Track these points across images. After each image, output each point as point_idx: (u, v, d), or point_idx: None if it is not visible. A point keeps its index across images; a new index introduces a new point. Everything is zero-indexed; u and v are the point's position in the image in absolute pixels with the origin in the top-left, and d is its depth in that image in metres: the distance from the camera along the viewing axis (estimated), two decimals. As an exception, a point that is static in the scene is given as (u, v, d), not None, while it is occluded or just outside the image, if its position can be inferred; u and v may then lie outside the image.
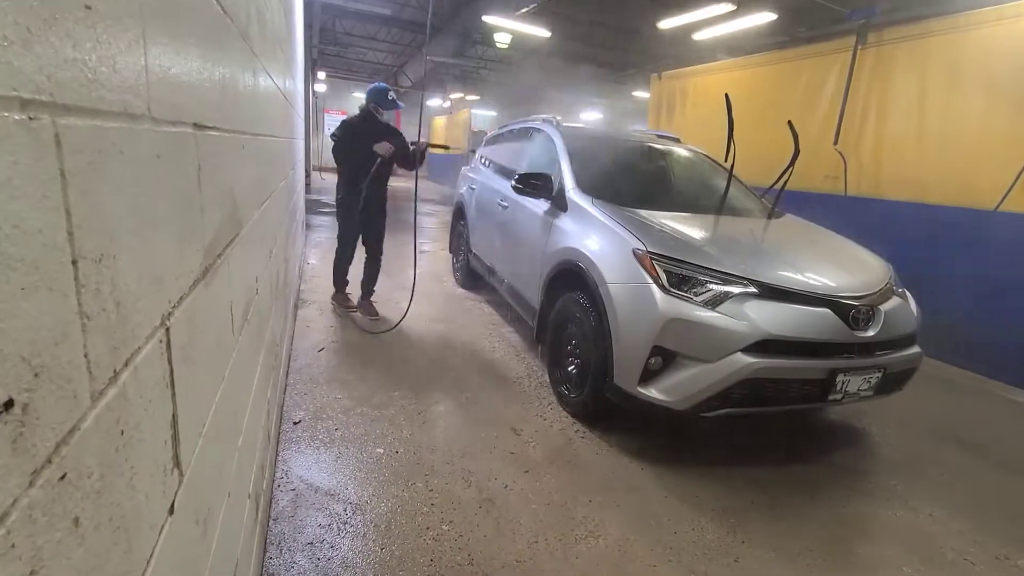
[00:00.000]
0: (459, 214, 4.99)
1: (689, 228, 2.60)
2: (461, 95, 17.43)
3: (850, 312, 2.15)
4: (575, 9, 8.32)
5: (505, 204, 3.74)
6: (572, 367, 2.72)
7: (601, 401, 2.47)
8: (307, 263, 5.23)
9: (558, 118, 3.80)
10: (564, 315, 2.75)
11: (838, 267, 2.39)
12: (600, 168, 3.24)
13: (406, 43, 12.88)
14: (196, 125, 0.71)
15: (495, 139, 4.80)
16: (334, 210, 3.88)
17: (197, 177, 0.73)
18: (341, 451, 2.16)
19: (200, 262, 0.74)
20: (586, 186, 2.98)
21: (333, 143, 3.62)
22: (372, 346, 3.30)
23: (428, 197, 13.15)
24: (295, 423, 2.32)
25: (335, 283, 3.96)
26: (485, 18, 7.88)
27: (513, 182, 3.19)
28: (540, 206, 3.16)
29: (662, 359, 2.19)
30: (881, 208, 4.05)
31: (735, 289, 2.14)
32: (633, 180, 3.28)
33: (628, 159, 3.47)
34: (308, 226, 6.99)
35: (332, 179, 13.78)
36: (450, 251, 5.24)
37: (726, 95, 2.71)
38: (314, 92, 13.79)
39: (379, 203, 3.74)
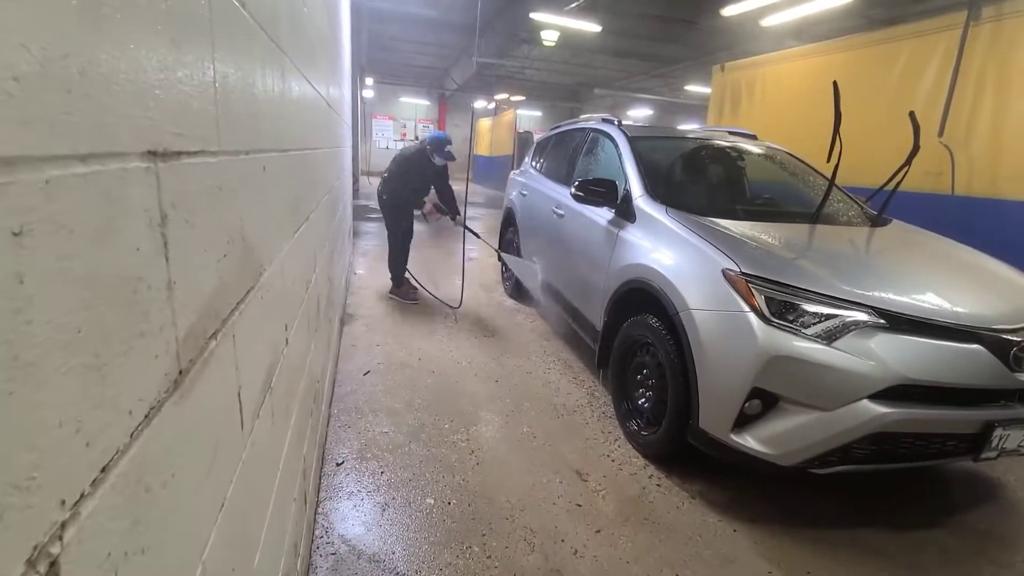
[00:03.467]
0: (508, 221, 4.73)
1: (784, 241, 2.21)
2: (506, 96, 17.21)
3: (1011, 349, 1.70)
4: (628, 3, 7.87)
5: (561, 212, 3.43)
6: (644, 400, 2.38)
7: (681, 445, 2.12)
8: (354, 273, 5.10)
9: (619, 118, 3.45)
10: (632, 339, 2.43)
11: (983, 289, 1.94)
12: (671, 172, 2.89)
13: (452, 45, 12.76)
14: (151, 153, 0.44)
15: (546, 141, 4.50)
16: (379, 216, 4.46)
17: (157, 236, 0.45)
18: (388, 500, 1.91)
19: (164, 372, 0.47)
20: (657, 193, 2.63)
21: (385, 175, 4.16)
22: (419, 367, 3.07)
23: (474, 200, 12.99)
24: (338, 464, 2.09)
25: (393, 278, 4.30)
26: (533, 15, 7.58)
27: (573, 189, 2.87)
28: (603, 216, 2.84)
29: (762, 402, 1.82)
30: (998, 210, 3.46)
31: (857, 318, 1.74)
32: (710, 185, 2.91)
33: (702, 161, 3.09)
34: (355, 233, 6.92)
35: (376, 183, 13.91)
36: (499, 260, 4.97)
37: (834, 83, 2.29)
38: (362, 98, 13.91)
39: (408, 218, 4.19)
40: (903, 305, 1.76)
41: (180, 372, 0.51)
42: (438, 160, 4.05)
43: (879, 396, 1.66)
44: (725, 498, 2.08)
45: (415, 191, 4.12)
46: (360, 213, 8.87)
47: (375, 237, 7.09)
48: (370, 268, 5.35)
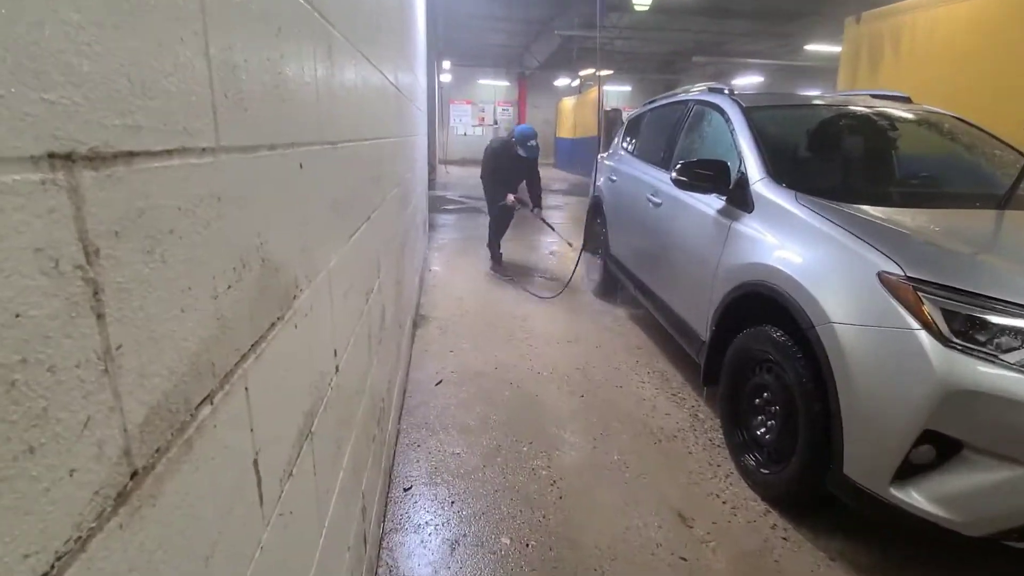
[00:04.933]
0: (595, 210, 4.52)
1: (962, 234, 1.81)
2: (592, 71, 16.74)
3: None
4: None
5: (657, 200, 3.16)
6: (763, 430, 2.09)
7: (816, 492, 1.81)
8: (429, 270, 5.12)
9: (729, 86, 3.10)
10: (749, 355, 2.16)
11: None
12: (800, 149, 2.53)
13: (532, 20, 12.56)
14: (57, 157, 0.30)
15: (639, 119, 4.22)
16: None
17: (73, 283, 0.31)
18: (458, 537, 1.79)
19: (94, 489, 0.33)
20: (781, 176, 2.29)
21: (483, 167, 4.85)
22: (496, 376, 2.96)
23: (555, 188, 12.78)
24: (405, 490, 2.01)
25: (491, 248, 5.06)
26: (623, -23, 7.17)
27: (673, 173, 2.60)
28: (711, 204, 2.55)
29: (936, 450, 1.47)
30: None
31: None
32: (852, 163, 2.53)
33: (840, 133, 2.68)
34: (431, 226, 6.99)
35: (457, 172, 14.14)
36: (585, 250, 4.77)
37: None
38: (439, 83, 14.16)
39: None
40: None
41: (134, 475, 0.37)
42: (522, 153, 4.56)
43: (1125, 453, 1.26)
44: (875, 561, 1.74)
45: (505, 183, 4.70)
46: (436, 205, 9.00)
47: (453, 230, 7.15)
48: (447, 263, 5.36)
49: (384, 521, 1.84)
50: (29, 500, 0.28)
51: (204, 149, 0.49)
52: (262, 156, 0.65)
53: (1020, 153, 2.50)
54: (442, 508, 1.92)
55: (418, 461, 2.19)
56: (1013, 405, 1.34)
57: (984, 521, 1.41)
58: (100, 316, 0.34)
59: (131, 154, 0.37)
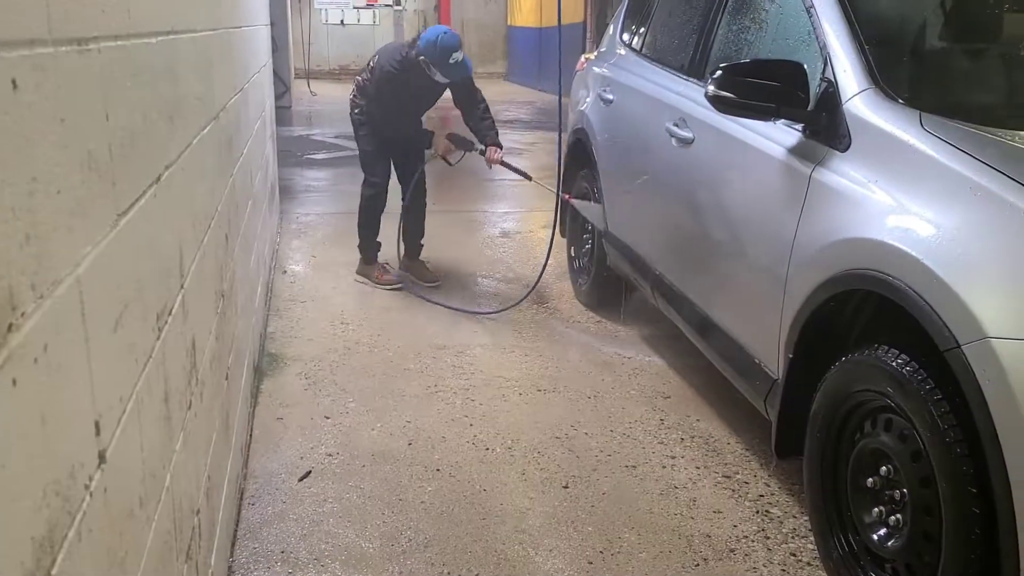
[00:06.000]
0: (579, 154, 4.68)
1: None
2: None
3: None
4: None
5: (685, 134, 3.29)
6: (885, 531, 2.18)
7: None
8: (283, 272, 5.14)
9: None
10: (853, 401, 2.27)
11: None
12: (925, 39, 2.63)
13: None
14: None
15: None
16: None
17: None
18: None
19: None
20: (897, 85, 2.41)
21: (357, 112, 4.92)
22: (410, 458, 2.97)
23: (508, 116, 12.93)
24: None
25: (362, 250, 4.99)
26: None
27: (711, 87, 2.67)
28: (778, 139, 2.66)
29: None
30: None
31: None
32: (1011, 63, 2.64)
33: (989, 13, 2.83)
34: (287, 193, 6.95)
35: (331, 93, 14.11)
36: (563, 234, 4.84)
37: None
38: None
39: (413, 146, 4.96)
40: None
41: None
42: (439, 78, 4.63)
43: None
44: None
45: (412, 118, 4.89)
46: (295, 152, 8.96)
47: (326, 198, 7.14)
48: (317, 258, 5.37)
49: None
50: None
51: None
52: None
53: None
54: None
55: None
56: None
57: None
58: None
59: None
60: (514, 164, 5.12)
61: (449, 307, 4.47)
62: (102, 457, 1.04)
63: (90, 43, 1.06)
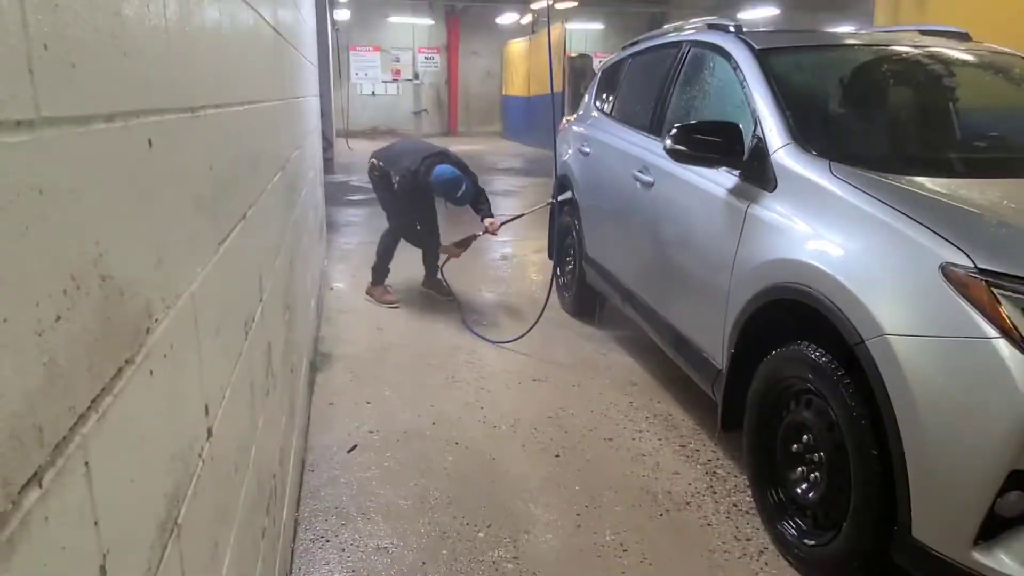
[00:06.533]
0: (563, 195, 4.62)
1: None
2: (550, 2, 17.14)
3: None
4: None
5: (647, 178, 3.30)
6: (806, 486, 2.19)
7: (879, 565, 1.91)
8: (330, 288, 5.11)
9: (735, 23, 3.26)
10: (782, 384, 2.28)
11: None
12: (832, 105, 2.68)
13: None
14: None
15: (617, 68, 4.40)
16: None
17: None
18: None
19: None
20: (811, 140, 2.44)
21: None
22: (435, 435, 2.97)
23: (504, 166, 12.96)
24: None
25: (373, 272, 4.82)
26: None
27: (667, 141, 2.70)
28: (720, 182, 2.69)
29: (1028, 497, 1.59)
30: None
31: None
32: (899, 123, 2.69)
33: (882, 83, 2.88)
34: (331, 226, 6.95)
35: (364, 149, 14.10)
36: (550, 257, 4.85)
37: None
38: (333, 22, 14.13)
39: (426, 212, 4.77)
40: None
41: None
42: (451, 207, 4.71)
43: None
44: (962, 656, 1.84)
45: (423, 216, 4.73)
46: (337, 195, 8.95)
47: (362, 230, 7.11)
48: (355, 278, 5.34)
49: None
50: None
51: (19, 123, 0.49)
52: (98, 131, 0.65)
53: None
54: (366, 629, 1.90)
55: (327, 564, 2.17)
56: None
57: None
58: None
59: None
60: (507, 217, 4.97)
61: (475, 334, 4.21)
62: (210, 432, 1.07)
63: (199, 111, 1.10)
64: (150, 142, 0.82)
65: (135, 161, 0.76)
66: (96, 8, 0.65)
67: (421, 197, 4.61)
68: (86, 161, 0.62)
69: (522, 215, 5.11)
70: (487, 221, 4.61)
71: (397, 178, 4.53)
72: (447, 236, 4.87)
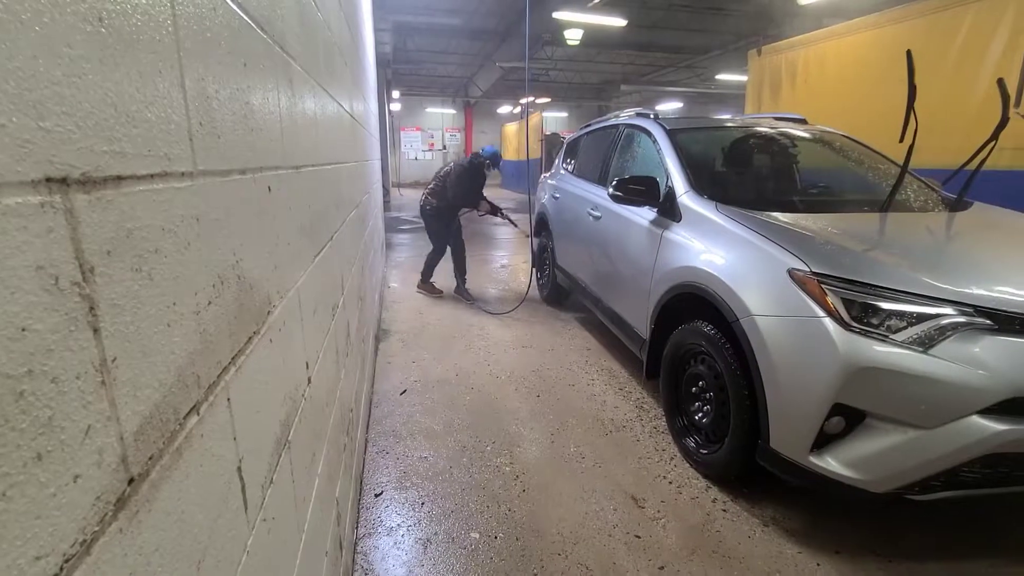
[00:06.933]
0: (541, 225, 4.60)
1: (855, 234, 1.96)
2: (531, 99, 17.09)
3: None
4: (652, -7, 7.61)
5: (597, 214, 3.26)
6: (701, 415, 2.17)
7: (748, 465, 1.90)
8: (388, 287, 5.05)
9: (654, 111, 3.25)
10: (685, 348, 2.24)
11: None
12: (716, 165, 2.67)
13: (475, 53, 12.73)
14: (54, 181, 0.30)
15: (577, 141, 4.34)
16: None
17: (72, 300, 0.31)
18: (430, 536, 1.77)
19: (96, 495, 0.32)
20: (703, 189, 2.42)
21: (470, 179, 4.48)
22: (458, 383, 2.94)
23: (504, 205, 12.85)
24: (376, 495, 1.97)
25: (423, 276, 4.73)
26: (556, 15, 7.41)
27: (610, 189, 2.69)
28: (644, 216, 2.65)
29: (845, 420, 1.59)
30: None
31: (956, 320, 1.49)
32: (760, 177, 2.69)
33: (749, 151, 2.86)
34: (388, 245, 6.90)
35: (410, 194, 13.99)
36: (532, 265, 4.84)
37: (908, 52, 2.02)
38: (390, 111, 14.04)
39: (458, 224, 4.64)
40: (1011, 303, 1.50)
41: (131, 481, 0.36)
42: (493, 169, 4.55)
43: (992, 411, 1.41)
44: (803, 525, 1.84)
45: (465, 197, 4.46)
46: (392, 225, 8.88)
47: (408, 248, 7.07)
48: (404, 280, 5.29)
49: (357, 527, 1.79)
50: (38, 504, 0.27)
51: (183, 173, 0.48)
52: (234, 180, 0.65)
53: (896, 164, 2.75)
54: (413, 510, 1.89)
55: (387, 467, 2.15)
56: (902, 376, 1.47)
57: (887, 479, 1.53)
58: (96, 330, 0.33)
59: (119, 178, 0.37)
60: (499, 219, 4.85)
61: (482, 309, 4.33)
62: (309, 380, 1.05)
63: (301, 168, 1.09)
64: (269, 188, 0.82)
65: (259, 200, 0.76)
66: (235, 100, 0.65)
67: (453, 217, 4.49)
68: (227, 200, 0.62)
69: (507, 220, 4.91)
70: (489, 205, 4.60)
71: (448, 171, 4.41)
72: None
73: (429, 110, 20.31)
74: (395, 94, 16.05)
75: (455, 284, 4.69)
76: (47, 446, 0.28)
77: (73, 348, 0.31)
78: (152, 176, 0.42)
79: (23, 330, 0.27)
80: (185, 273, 0.48)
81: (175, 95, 0.47)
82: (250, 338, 0.67)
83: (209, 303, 0.53)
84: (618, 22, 7.77)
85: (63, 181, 0.31)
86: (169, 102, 0.46)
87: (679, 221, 2.38)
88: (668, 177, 2.58)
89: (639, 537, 1.78)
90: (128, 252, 0.38)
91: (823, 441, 1.62)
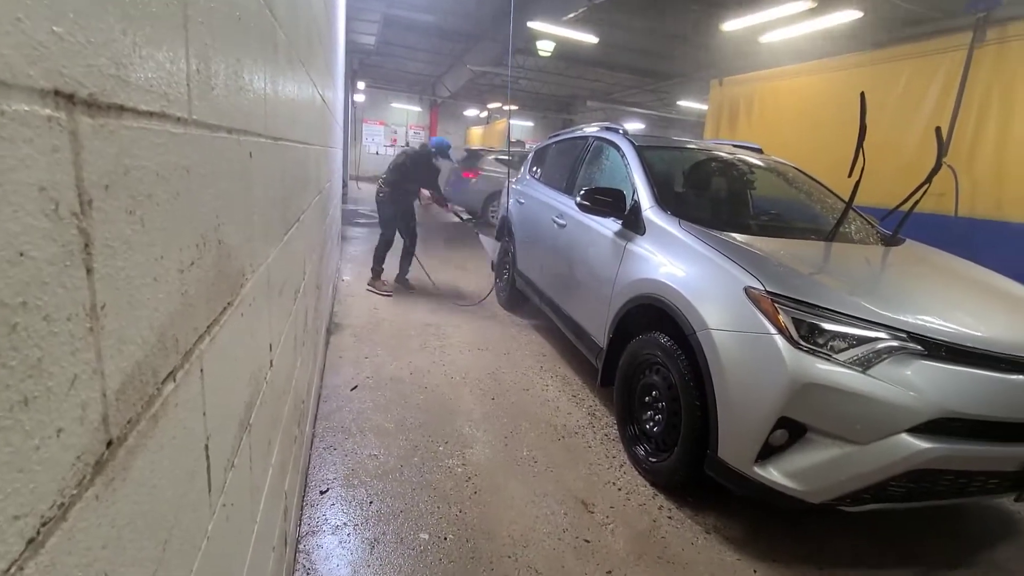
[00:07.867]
0: (504, 230, 4.58)
1: (804, 259, 2.08)
2: (499, 105, 17.15)
3: (1057, 382, 1.58)
4: (627, 15, 7.84)
5: (562, 222, 3.29)
6: (652, 424, 2.23)
7: (694, 474, 1.96)
8: (342, 280, 4.89)
9: (624, 127, 3.34)
10: (640, 358, 2.29)
11: (1019, 313, 1.83)
12: (680, 184, 2.77)
13: (446, 52, 12.65)
14: (62, 96, 0.27)
15: (545, 149, 4.38)
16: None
17: (70, 231, 0.28)
18: (378, 536, 1.71)
19: (76, 455, 0.29)
20: (667, 205, 2.50)
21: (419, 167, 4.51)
22: (411, 381, 2.88)
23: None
24: (322, 492, 1.89)
25: (372, 272, 4.65)
26: (531, 24, 7.49)
27: (578, 198, 2.73)
28: (609, 227, 2.70)
29: (788, 433, 1.67)
30: (1003, 233, 3.40)
31: (892, 344, 1.61)
32: (719, 198, 2.79)
33: (711, 173, 2.98)
34: (344, 238, 6.70)
35: (368, 189, 13.69)
36: (492, 269, 4.82)
37: (861, 94, 2.18)
38: (354, 102, 13.70)
39: (411, 212, 4.57)
40: (941, 331, 1.63)
41: (109, 444, 0.33)
42: (442, 162, 4.57)
43: (919, 429, 1.52)
44: (742, 533, 1.92)
45: (413, 187, 4.52)
46: (348, 218, 8.63)
47: (363, 242, 6.89)
48: (358, 274, 5.15)
49: (300, 524, 1.71)
50: (21, 456, 0.24)
51: (179, 119, 0.45)
52: (222, 137, 0.61)
53: (839, 198, 2.95)
54: (360, 509, 1.83)
55: (335, 464, 2.07)
56: (841, 394, 1.57)
57: (824, 490, 1.62)
58: (89, 270, 0.30)
59: (121, 108, 0.34)
60: (449, 210, 4.93)
61: (448, 299, 4.36)
62: (271, 363, 1.00)
63: (279, 141, 1.04)
64: (251, 154, 0.77)
65: (242, 164, 0.72)
66: (228, 53, 0.61)
67: (405, 204, 4.48)
68: (215, 157, 0.58)
69: (460, 218, 5.02)
70: (430, 194, 4.57)
71: (404, 162, 4.41)
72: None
73: (394, 105, 19.94)
74: (360, 85, 15.67)
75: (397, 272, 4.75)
76: (34, 391, 0.25)
77: (67, 285, 0.28)
78: (151, 114, 0.39)
79: (21, 255, 0.24)
80: (172, 226, 0.44)
81: (178, 31, 0.44)
82: (224, 308, 0.62)
83: (192, 263, 0.49)
84: (590, 39, 7.95)
85: (70, 98, 0.28)
86: (174, 36, 0.42)
87: (643, 234, 2.44)
88: (635, 191, 2.64)
89: (588, 541, 1.80)
90: (124, 191, 0.34)
91: (767, 452, 1.70)
